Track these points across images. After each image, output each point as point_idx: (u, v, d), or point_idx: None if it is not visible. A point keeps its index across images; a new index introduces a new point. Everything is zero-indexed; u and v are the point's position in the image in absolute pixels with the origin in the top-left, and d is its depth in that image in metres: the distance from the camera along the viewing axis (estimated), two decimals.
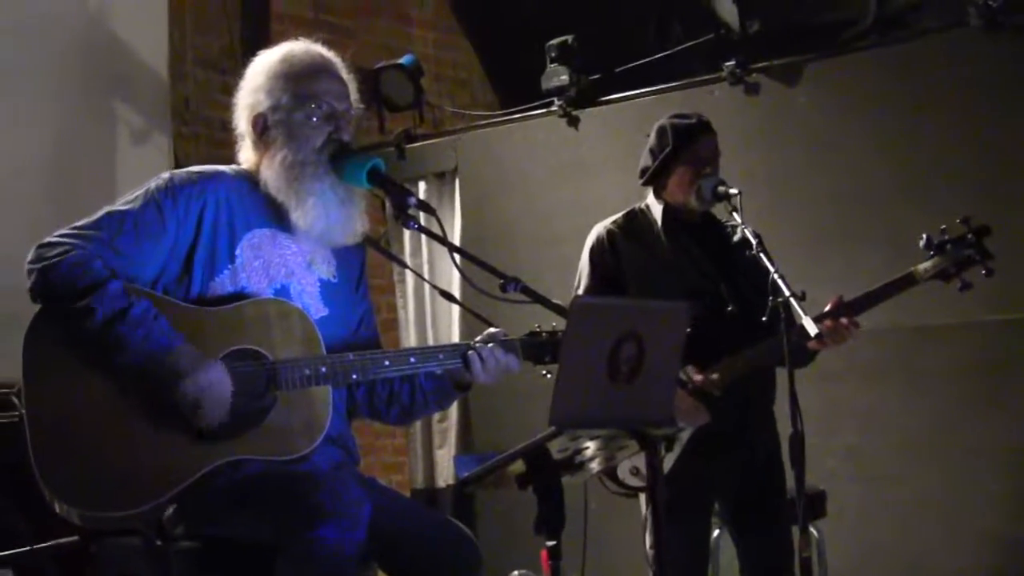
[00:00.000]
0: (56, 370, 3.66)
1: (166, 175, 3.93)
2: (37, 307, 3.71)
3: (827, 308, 4.94)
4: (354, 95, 4.11)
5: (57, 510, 3.66)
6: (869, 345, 5.67)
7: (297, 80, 3.99)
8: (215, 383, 3.65)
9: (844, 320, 4.91)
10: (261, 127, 4.01)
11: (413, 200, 3.87)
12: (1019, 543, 6.31)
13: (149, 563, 3.67)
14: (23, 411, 3.61)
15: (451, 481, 8.32)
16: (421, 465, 8.56)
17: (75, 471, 3.61)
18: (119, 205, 3.82)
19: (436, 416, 8.37)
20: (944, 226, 5.00)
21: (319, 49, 4.11)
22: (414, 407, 4.18)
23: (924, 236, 5.00)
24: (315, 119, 3.96)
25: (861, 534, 6.65)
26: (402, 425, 4.70)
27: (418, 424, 8.50)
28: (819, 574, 5.90)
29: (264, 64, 4.06)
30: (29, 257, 3.68)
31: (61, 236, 3.71)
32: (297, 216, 3.93)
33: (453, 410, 8.25)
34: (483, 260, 3.87)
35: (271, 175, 3.96)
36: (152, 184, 3.87)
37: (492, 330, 4.04)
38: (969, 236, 4.99)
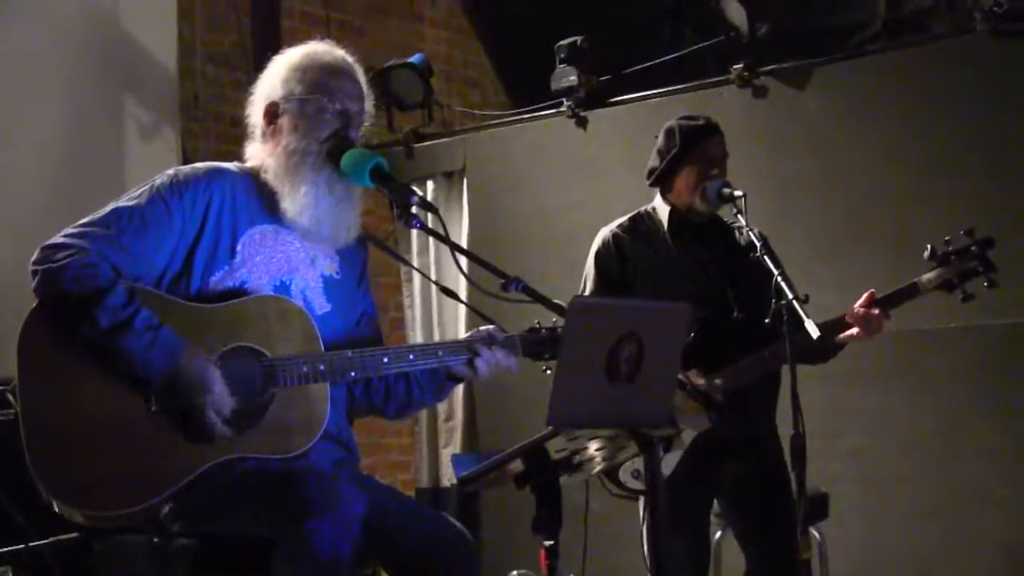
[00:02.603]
0: (54, 369, 3.63)
1: (171, 171, 3.92)
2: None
3: (860, 302, 4.96)
4: (370, 107, 4.12)
5: (56, 509, 3.66)
6: (874, 348, 5.67)
7: (316, 73, 4.00)
8: (216, 395, 3.65)
9: (875, 310, 4.94)
10: (272, 115, 4.01)
11: (415, 199, 3.86)
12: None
13: (150, 560, 3.66)
14: (18, 409, 3.59)
15: (455, 480, 8.31)
16: (426, 464, 8.55)
17: (71, 470, 3.60)
18: (124, 201, 3.80)
19: (442, 415, 8.38)
20: (948, 237, 5.01)
21: (343, 53, 4.12)
22: (411, 401, 4.20)
23: (928, 247, 5.00)
24: (327, 113, 3.96)
25: (865, 537, 6.64)
26: (401, 418, 4.68)
27: (424, 423, 8.50)
28: None
29: (286, 59, 4.08)
30: (34, 257, 3.65)
31: (68, 236, 3.69)
32: (287, 204, 3.92)
33: (459, 409, 8.27)
34: (487, 260, 3.86)
35: (272, 162, 3.97)
36: (157, 180, 3.86)
37: (487, 327, 4.05)
38: (973, 248, 4.99)
